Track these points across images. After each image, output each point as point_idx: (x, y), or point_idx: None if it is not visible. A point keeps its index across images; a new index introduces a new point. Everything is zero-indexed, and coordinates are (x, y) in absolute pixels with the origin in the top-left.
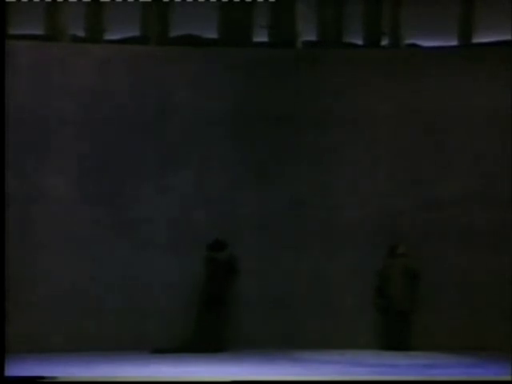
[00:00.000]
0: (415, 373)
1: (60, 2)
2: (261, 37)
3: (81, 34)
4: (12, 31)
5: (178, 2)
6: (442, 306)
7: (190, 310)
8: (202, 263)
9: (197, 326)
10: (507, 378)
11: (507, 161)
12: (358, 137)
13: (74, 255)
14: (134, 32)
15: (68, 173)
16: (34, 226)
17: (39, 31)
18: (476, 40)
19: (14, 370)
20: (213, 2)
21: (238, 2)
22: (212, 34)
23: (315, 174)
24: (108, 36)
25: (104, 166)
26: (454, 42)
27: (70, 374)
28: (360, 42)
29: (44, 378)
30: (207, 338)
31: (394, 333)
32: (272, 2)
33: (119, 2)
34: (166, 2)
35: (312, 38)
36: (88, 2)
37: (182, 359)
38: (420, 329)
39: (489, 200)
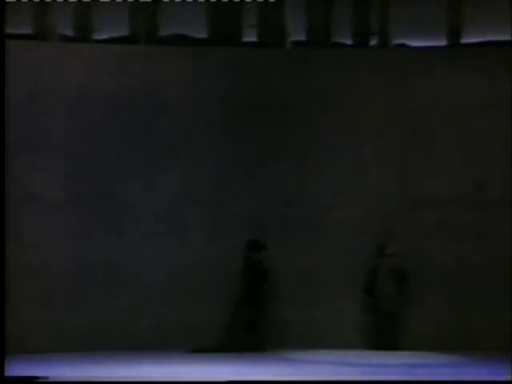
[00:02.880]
0: (404, 373)
1: (49, 2)
2: (250, 36)
3: (70, 33)
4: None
5: (167, 1)
6: (431, 305)
7: (184, 310)
8: (241, 263)
9: (234, 326)
10: (507, 378)
11: (496, 160)
12: (347, 136)
13: (63, 255)
14: (124, 31)
15: (58, 172)
16: (24, 226)
17: (28, 31)
18: (464, 40)
19: (14, 369)
20: (202, 2)
21: (227, 2)
22: (201, 33)
23: (305, 173)
24: (97, 35)
25: (94, 165)
26: (442, 42)
27: (69, 375)
28: (349, 42)
29: (44, 378)
30: (245, 338)
31: (383, 333)
32: (261, 2)
33: (108, 2)
34: (155, 2)
35: (301, 37)
36: (77, 2)
37: (176, 359)
38: (409, 328)
39: (478, 199)
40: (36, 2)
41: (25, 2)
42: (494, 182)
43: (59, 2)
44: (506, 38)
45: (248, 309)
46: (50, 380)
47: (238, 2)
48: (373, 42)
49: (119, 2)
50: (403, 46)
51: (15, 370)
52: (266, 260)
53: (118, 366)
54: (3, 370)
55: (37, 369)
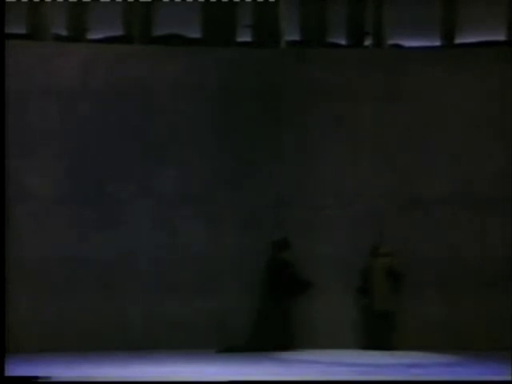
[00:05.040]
0: (399, 372)
1: (43, 2)
2: (244, 36)
3: (64, 33)
4: None
5: (161, 1)
6: (427, 304)
7: (183, 309)
8: (266, 261)
9: (260, 324)
10: (507, 377)
11: (491, 161)
12: (341, 136)
13: (61, 254)
14: (118, 31)
15: (52, 172)
16: (18, 226)
17: (22, 30)
18: (459, 40)
19: (14, 369)
20: (196, 2)
21: (221, 2)
22: (196, 33)
23: (299, 173)
24: (91, 35)
25: (88, 165)
26: (436, 43)
27: (69, 375)
28: (343, 41)
29: (45, 378)
30: (272, 336)
31: (377, 332)
32: (256, 2)
33: (102, 2)
34: (149, 2)
35: (295, 37)
36: (71, 2)
37: (175, 359)
38: (404, 328)
39: (472, 200)
40: (30, 2)
41: (19, 2)
42: (493, 181)
43: (53, 1)
44: (501, 38)
45: (274, 308)
46: (52, 380)
47: (232, 2)
48: (367, 41)
49: (113, 2)
50: (398, 45)
51: (15, 369)
52: (292, 259)
53: (117, 365)
54: (3, 370)
55: (37, 369)
